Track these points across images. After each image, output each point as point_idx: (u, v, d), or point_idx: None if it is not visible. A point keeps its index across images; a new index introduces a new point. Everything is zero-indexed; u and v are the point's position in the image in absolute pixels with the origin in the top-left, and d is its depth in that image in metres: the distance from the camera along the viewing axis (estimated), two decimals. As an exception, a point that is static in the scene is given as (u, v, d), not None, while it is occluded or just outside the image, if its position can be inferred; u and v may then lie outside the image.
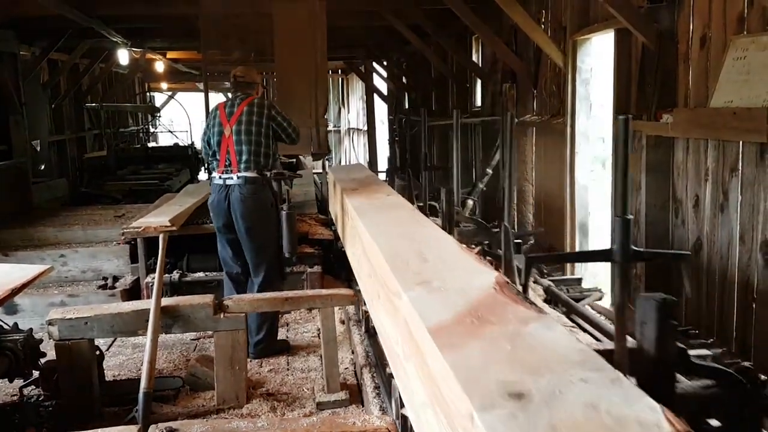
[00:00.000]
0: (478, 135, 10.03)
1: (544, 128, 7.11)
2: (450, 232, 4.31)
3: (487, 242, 5.60)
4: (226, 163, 4.60)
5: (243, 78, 4.79)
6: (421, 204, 6.82)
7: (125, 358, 4.76)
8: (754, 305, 3.93)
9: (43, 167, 10.49)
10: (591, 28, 5.88)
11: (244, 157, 4.55)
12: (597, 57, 6.30)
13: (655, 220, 4.89)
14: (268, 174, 4.67)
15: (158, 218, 5.35)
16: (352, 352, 4.62)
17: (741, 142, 3.95)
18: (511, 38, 7.99)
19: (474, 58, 10.24)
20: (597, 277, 6.01)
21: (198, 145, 16.46)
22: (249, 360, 4.33)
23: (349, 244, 4.03)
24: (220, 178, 4.63)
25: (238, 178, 4.55)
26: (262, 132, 4.59)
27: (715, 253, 4.27)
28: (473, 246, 5.28)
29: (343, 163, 23.16)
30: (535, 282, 4.76)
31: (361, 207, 3.70)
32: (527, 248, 5.96)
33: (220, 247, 4.83)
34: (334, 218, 5.66)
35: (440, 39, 9.97)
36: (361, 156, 21.20)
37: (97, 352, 3.86)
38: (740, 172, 3.98)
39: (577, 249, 6.15)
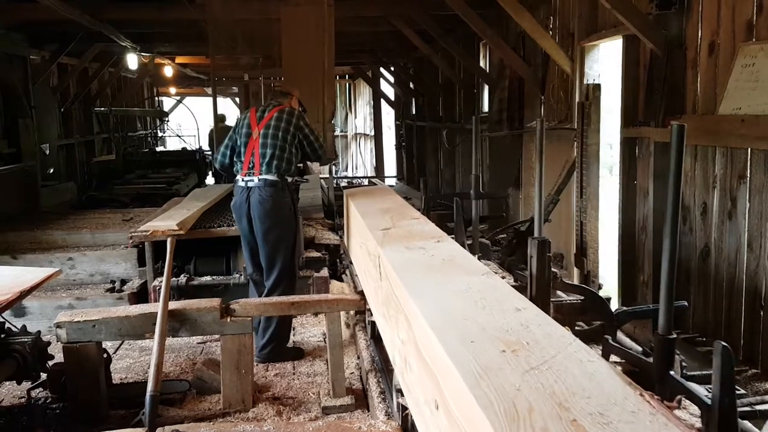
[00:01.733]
0: (485, 141, 10.00)
1: (552, 134, 7.11)
2: (545, 306, 3.11)
3: (600, 323, 4.06)
4: (250, 165, 4.66)
5: (279, 87, 4.94)
6: (470, 242, 5.67)
7: (132, 361, 4.77)
8: (762, 313, 3.92)
9: (51, 171, 10.55)
10: (599, 35, 5.88)
11: (267, 160, 4.61)
12: (605, 63, 6.30)
13: (662, 227, 4.87)
14: (290, 179, 4.72)
15: (166, 222, 5.36)
16: (358, 357, 4.62)
17: (749, 150, 3.94)
18: (519, 44, 8.01)
19: (481, 64, 10.26)
20: (606, 282, 5.98)
21: (205, 147, 16.53)
22: (255, 364, 4.34)
23: (381, 313, 2.93)
24: (242, 180, 4.69)
25: (259, 180, 4.60)
26: (288, 139, 4.66)
27: (723, 260, 4.26)
28: (574, 325, 3.91)
29: (349, 167, 23.20)
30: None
31: (403, 264, 2.61)
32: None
33: (243, 250, 4.89)
34: (350, 256, 4.92)
35: (447, 44, 9.99)
36: (368, 161, 21.22)
37: (105, 355, 3.87)
38: (748, 179, 3.97)
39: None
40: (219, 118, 10.40)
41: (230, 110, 20.05)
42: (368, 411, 3.87)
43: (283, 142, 4.64)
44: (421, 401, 2.00)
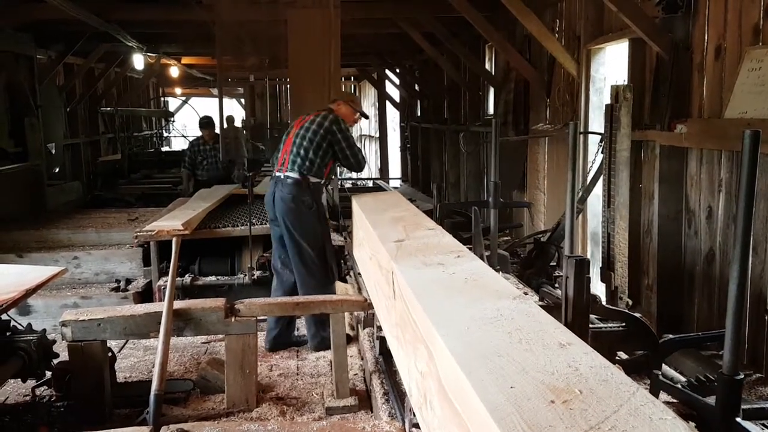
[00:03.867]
0: (489, 143, 10.00)
1: (557, 137, 7.11)
2: (582, 334, 2.79)
3: (643, 352, 3.67)
4: (282, 161, 4.84)
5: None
6: (489, 253, 5.31)
7: (136, 360, 4.78)
8: (766, 317, 3.91)
9: (57, 170, 10.58)
10: (605, 38, 5.88)
11: (292, 158, 4.78)
12: (611, 66, 6.30)
13: (667, 230, 4.88)
14: (313, 180, 4.79)
15: (171, 222, 5.38)
16: (362, 358, 4.62)
17: (755, 154, 3.93)
18: (525, 47, 8.01)
19: (487, 67, 10.26)
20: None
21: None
22: (259, 363, 4.34)
23: (395, 336, 2.72)
24: (274, 174, 4.91)
25: (284, 176, 4.78)
26: (315, 141, 4.76)
27: (728, 264, 4.26)
28: (614, 356, 3.58)
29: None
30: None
31: (421, 284, 2.36)
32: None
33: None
34: (357, 266, 4.80)
35: (453, 47, 10.00)
36: (372, 163, 21.23)
37: (109, 354, 3.88)
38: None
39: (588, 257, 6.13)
40: (228, 119, 10.47)
41: (235, 111, 20.06)
42: (372, 412, 3.87)
43: (309, 143, 4.76)
44: None
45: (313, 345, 4.93)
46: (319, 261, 4.84)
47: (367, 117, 5.64)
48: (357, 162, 4.92)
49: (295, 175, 4.73)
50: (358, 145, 5.85)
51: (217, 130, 8.94)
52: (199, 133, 9.06)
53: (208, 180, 8.54)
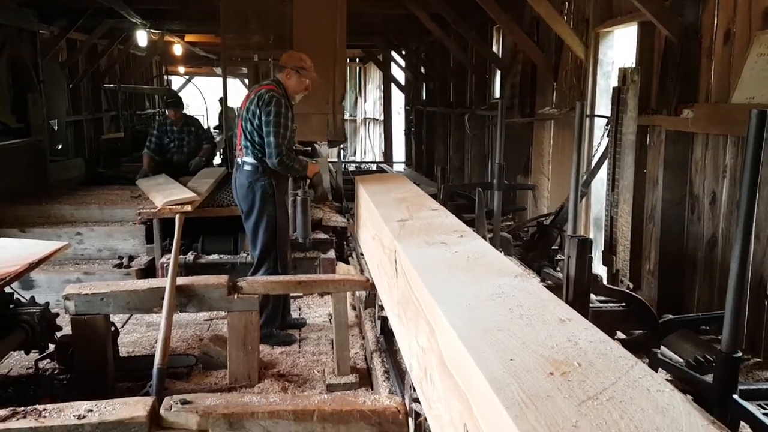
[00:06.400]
0: (494, 127, 9.97)
1: (563, 121, 7.08)
2: (582, 312, 2.63)
3: (642, 331, 3.67)
4: (240, 145, 4.60)
5: (278, 61, 4.75)
6: (491, 235, 5.29)
7: (139, 336, 4.80)
8: (766, 302, 3.92)
9: (60, 147, 10.56)
10: (614, 21, 5.85)
11: (244, 143, 4.54)
12: (619, 50, 6.26)
13: (670, 215, 4.88)
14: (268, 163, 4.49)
15: (181, 194, 5.37)
16: (363, 338, 4.64)
17: (761, 139, 3.92)
18: (533, 29, 7.96)
19: (494, 49, 10.21)
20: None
21: (213, 130, 16.55)
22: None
23: (396, 314, 2.75)
24: (235, 159, 4.72)
25: (241, 162, 4.58)
26: (255, 123, 4.46)
27: (730, 250, 4.25)
28: (614, 334, 3.55)
29: (358, 152, 23.17)
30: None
31: (424, 262, 2.37)
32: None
33: None
34: (360, 246, 4.79)
35: (461, 29, 9.93)
36: (376, 146, 21.19)
37: (113, 329, 3.90)
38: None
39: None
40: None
41: (241, 91, 20.00)
42: (372, 389, 3.90)
43: (252, 126, 4.45)
44: (445, 421, 1.75)
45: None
46: (272, 246, 4.59)
47: (317, 81, 4.83)
48: (277, 150, 4.35)
49: (250, 159, 4.49)
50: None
51: (185, 111, 8.57)
52: (198, 117, 8.65)
53: (177, 163, 8.19)
